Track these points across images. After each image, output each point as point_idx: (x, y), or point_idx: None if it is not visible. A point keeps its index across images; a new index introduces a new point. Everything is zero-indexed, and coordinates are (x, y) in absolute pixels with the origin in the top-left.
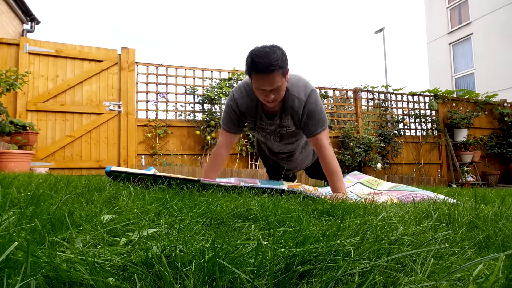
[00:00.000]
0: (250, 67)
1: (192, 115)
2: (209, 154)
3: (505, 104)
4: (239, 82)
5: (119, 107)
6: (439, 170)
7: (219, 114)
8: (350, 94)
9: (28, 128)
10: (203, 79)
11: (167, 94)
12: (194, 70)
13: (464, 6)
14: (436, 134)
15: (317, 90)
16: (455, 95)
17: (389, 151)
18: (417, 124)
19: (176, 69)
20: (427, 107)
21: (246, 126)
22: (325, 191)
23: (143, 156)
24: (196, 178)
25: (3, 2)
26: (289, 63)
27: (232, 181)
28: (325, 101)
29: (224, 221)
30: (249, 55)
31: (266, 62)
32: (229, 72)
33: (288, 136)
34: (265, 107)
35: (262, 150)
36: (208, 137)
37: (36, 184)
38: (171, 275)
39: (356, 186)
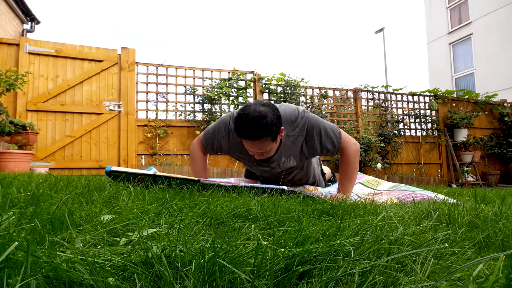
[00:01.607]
0: (236, 132)
1: (192, 115)
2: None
3: (505, 104)
4: (229, 114)
5: (119, 107)
6: (439, 170)
7: (219, 114)
8: (350, 94)
9: (28, 128)
10: (203, 79)
11: (167, 94)
12: (194, 70)
13: (464, 6)
14: (436, 134)
15: (319, 91)
16: (455, 95)
17: (389, 151)
18: (417, 124)
19: (176, 69)
20: (427, 107)
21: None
22: (325, 191)
23: (143, 156)
24: (196, 178)
25: (3, 2)
26: (290, 65)
27: (232, 181)
28: (325, 101)
29: (224, 221)
30: (237, 117)
31: (252, 131)
32: (229, 72)
33: (287, 169)
34: None
35: (252, 173)
36: None
37: (36, 184)
38: (171, 275)
39: (356, 186)
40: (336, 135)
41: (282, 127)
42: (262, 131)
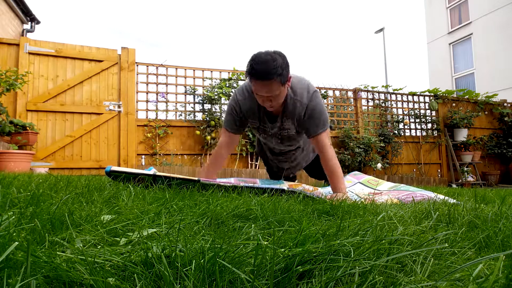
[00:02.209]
0: (249, 72)
1: (192, 115)
2: (209, 154)
3: (505, 104)
4: (242, 83)
5: (119, 107)
6: (439, 170)
7: (219, 114)
8: (350, 94)
9: (28, 128)
10: (203, 79)
11: (167, 94)
12: (194, 70)
13: (464, 6)
14: (436, 134)
15: (318, 91)
16: (455, 95)
17: (389, 151)
18: (417, 124)
19: (176, 69)
20: (427, 107)
21: (248, 127)
22: (325, 191)
23: (143, 156)
24: (196, 178)
25: (3, 2)
26: (289, 64)
27: (232, 181)
28: (325, 101)
29: (224, 221)
30: (250, 60)
31: (264, 70)
32: (229, 72)
33: (289, 139)
34: (267, 110)
35: (263, 151)
36: (208, 137)
37: (36, 184)
38: (171, 275)
39: (356, 186)
40: (323, 125)
41: (290, 76)
42: (273, 71)
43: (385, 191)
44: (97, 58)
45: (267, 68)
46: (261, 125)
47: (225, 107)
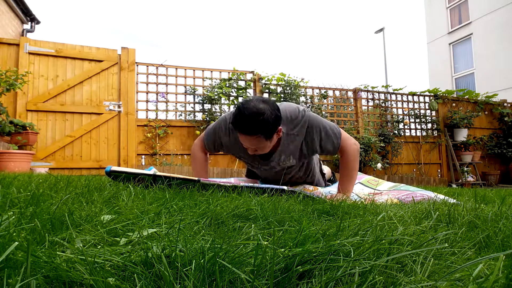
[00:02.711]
0: (234, 123)
1: (192, 115)
2: (210, 153)
3: (505, 104)
4: (229, 113)
5: (119, 107)
6: (439, 170)
7: (219, 114)
8: (350, 94)
9: (28, 128)
10: (203, 79)
11: (167, 94)
12: (194, 70)
13: (464, 6)
14: (436, 134)
15: (319, 91)
16: (455, 95)
17: (389, 151)
18: (417, 124)
19: (176, 69)
20: (427, 107)
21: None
22: (325, 191)
23: (143, 156)
24: (196, 178)
25: (3, 2)
26: (289, 64)
27: (232, 181)
28: (325, 101)
29: (224, 221)
30: (236, 109)
31: (248, 126)
32: (229, 72)
33: (286, 171)
34: None
35: (252, 173)
36: None
37: (36, 184)
38: (171, 275)
39: (356, 186)
40: (336, 135)
41: (280, 127)
42: (256, 128)
43: (385, 191)
44: (97, 58)
45: (252, 124)
46: (251, 161)
47: (225, 107)
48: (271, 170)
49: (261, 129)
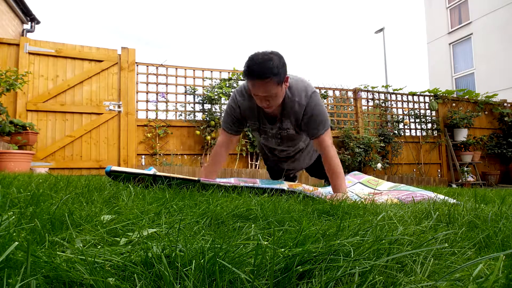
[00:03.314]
0: (246, 72)
1: (192, 115)
2: (209, 154)
3: (505, 104)
4: (241, 83)
5: (119, 107)
6: (439, 170)
7: (219, 114)
8: (350, 94)
9: (28, 128)
10: (203, 79)
11: (167, 94)
12: (194, 70)
13: (464, 6)
14: (436, 134)
15: (318, 91)
16: (455, 95)
17: (389, 151)
18: (417, 124)
19: (176, 69)
20: (427, 107)
21: (247, 127)
22: (325, 191)
23: (143, 156)
24: (196, 178)
25: (3, 2)
26: (289, 64)
27: (232, 181)
28: (325, 101)
29: (224, 221)
30: (246, 60)
31: (260, 69)
32: (229, 72)
33: (288, 139)
34: (266, 111)
35: (263, 151)
36: (208, 137)
37: (36, 184)
38: (171, 275)
39: (356, 186)
40: (323, 126)
41: (288, 76)
42: (268, 70)
43: (385, 191)
44: (97, 58)
45: (264, 67)
46: (261, 126)
47: (225, 107)
48: (277, 138)
49: (273, 71)
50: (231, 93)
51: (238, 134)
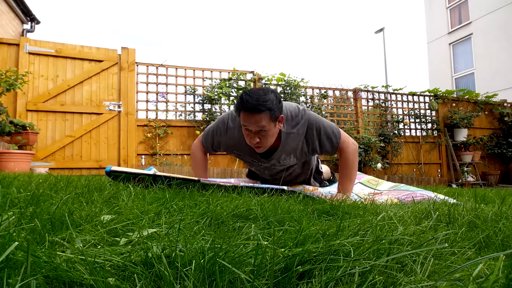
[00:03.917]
0: (239, 104)
1: (192, 115)
2: (209, 153)
3: (505, 104)
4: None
5: (119, 107)
6: (439, 170)
7: (219, 114)
8: (350, 94)
9: (28, 128)
10: (203, 79)
11: (167, 94)
12: (194, 70)
13: (464, 6)
14: (436, 134)
15: (319, 92)
16: (455, 95)
17: (389, 151)
18: (417, 124)
19: (176, 69)
20: (427, 107)
21: (230, 154)
22: (325, 191)
23: (143, 156)
24: (196, 178)
25: (3, 2)
26: (289, 64)
27: (232, 181)
28: (325, 101)
29: (224, 221)
30: (242, 94)
31: (254, 101)
32: (229, 72)
33: (285, 169)
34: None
35: (252, 172)
36: None
37: (36, 184)
38: (171, 275)
39: (356, 186)
40: (335, 135)
41: (282, 115)
42: (263, 104)
43: (385, 191)
44: (97, 58)
45: (258, 100)
46: (251, 160)
47: (225, 107)
48: (271, 170)
49: (267, 105)
50: (224, 113)
51: (214, 152)
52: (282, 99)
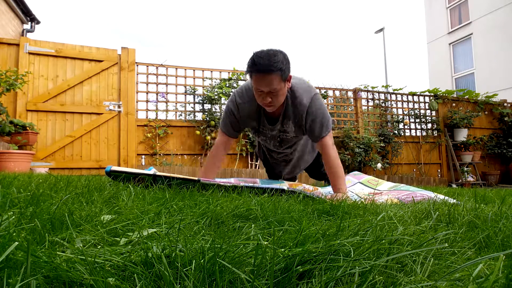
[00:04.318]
0: (250, 66)
1: (192, 115)
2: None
3: (505, 104)
4: (241, 84)
5: (119, 107)
6: (439, 170)
7: (219, 114)
8: (350, 94)
9: (28, 128)
10: (203, 79)
11: (167, 94)
12: (194, 70)
13: (464, 6)
14: (436, 134)
15: (319, 92)
16: (455, 95)
17: (389, 151)
18: (417, 124)
19: (176, 69)
20: (427, 107)
21: (245, 130)
22: (325, 191)
23: (143, 156)
24: (196, 178)
25: (3, 2)
26: (291, 65)
27: (232, 181)
28: (325, 101)
29: (224, 221)
30: (251, 56)
31: (265, 63)
32: (229, 72)
33: (288, 141)
34: (267, 112)
35: (262, 152)
36: (208, 137)
37: (36, 184)
38: (171, 275)
39: (356, 186)
40: (327, 128)
41: (291, 75)
42: (274, 65)
43: (385, 191)
44: (97, 58)
45: (269, 61)
46: (260, 127)
47: (224, 108)
48: (276, 140)
49: (278, 66)
50: (231, 94)
51: (236, 137)
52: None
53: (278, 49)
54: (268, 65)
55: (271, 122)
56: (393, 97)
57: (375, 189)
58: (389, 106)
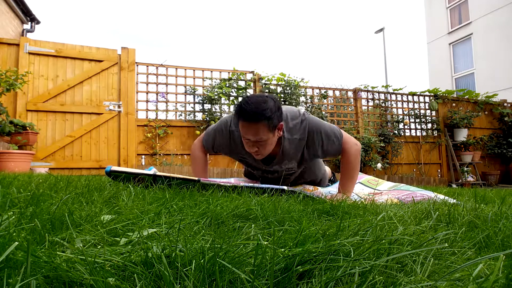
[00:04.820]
0: (237, 112)
1: (192, 115)
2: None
3: (505, 104)
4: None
5: (119, 107)
6: (439, 170)
7: (219, 114)
8: (350, 94)
9: (28, 128)
10: (203, 79)
11: (167, 94)
12: (194, 70)
13: (464, 6)
14: (436, 134)
15: (319, 92)
16: (455, 95)
17: (389, 151)
18: (417, 124)
19: (176, 69)
20: (427, 107)
21: (230, 156)
22: (325, 191)
23: (143, 156)
24: (196, 178)
25: (3, 2)
26: (290, 64)
27: (232, 181)
28: (325, 101)
29: (224, 221)
30: (241, 100)
31: (252, 110)
32: (229, 72)
33: (286, 173)
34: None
35: (251, 173)
36: None
37: (36, 184)
38: (171, 275)
39: (356, 186)
40: (337, 138)
41: (281, 123)
42: (261, 114)
43: (385, 191)
44: (97, 58)
45: (256, 109)
46: (252, 163)
47: (225, 107)
48: (274, 174)
49: (265, 114)
50: (225, 114)
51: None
52: (282, 103)
53: (270, 96)
54: (255, 113)
55: (266, 161)
56: (393, 97)
57: (375, 189)
58: (389, 106)
